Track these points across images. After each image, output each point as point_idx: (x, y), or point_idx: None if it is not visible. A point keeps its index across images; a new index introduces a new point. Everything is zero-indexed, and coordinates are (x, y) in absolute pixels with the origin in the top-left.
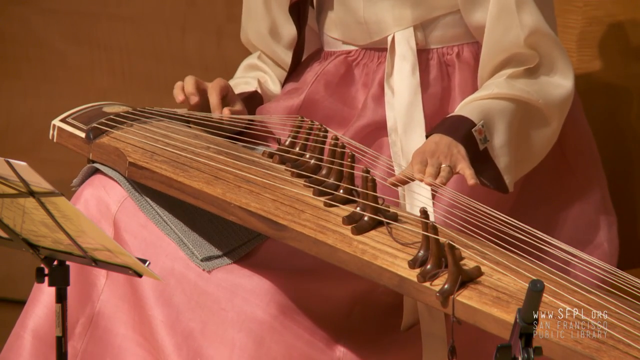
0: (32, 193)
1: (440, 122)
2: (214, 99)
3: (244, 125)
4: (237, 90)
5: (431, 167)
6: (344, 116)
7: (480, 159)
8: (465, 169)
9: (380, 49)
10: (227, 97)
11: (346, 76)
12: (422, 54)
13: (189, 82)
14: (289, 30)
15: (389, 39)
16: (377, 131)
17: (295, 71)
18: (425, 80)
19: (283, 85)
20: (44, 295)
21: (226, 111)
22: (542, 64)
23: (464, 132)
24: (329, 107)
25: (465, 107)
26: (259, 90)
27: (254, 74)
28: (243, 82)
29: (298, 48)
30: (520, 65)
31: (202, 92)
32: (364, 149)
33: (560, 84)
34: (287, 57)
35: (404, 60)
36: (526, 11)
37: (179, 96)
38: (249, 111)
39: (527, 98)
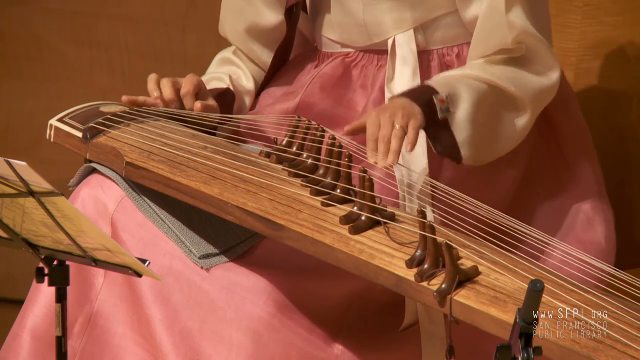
0: (32, 193)
1: (405, 90)
2: (186, 88)
3: (219, 119)
4: (209, 86)
5: (385, 128)
6: (341, 117)
7: (437, 126)
8: (411, 132)
9: (380, 52)
10: (199, 94)
11: (343, 78)
12: (423, 56)
13: (167, 87)
14: (270, 29)
15: (390, 42)
16: None
17: (286, 71)
18: None
19: (269, 84)
20: (42, 295)
21: (198, 105)
22: (526, 57)
23: (425, 98)
24: (325, 110)
25: (434, 79)
26: (231, 88)
27: (227, 69)
28: (216, 77)
29: (286, 48)
30: (505, 55)
31: (177, 92)
32: (363, 149)
33: (541, 76)
34: (264, 55)
35: (404, 64)
36: (515, 13)
37: (154, 92)
38: (222, 109)
39: (498, 83)
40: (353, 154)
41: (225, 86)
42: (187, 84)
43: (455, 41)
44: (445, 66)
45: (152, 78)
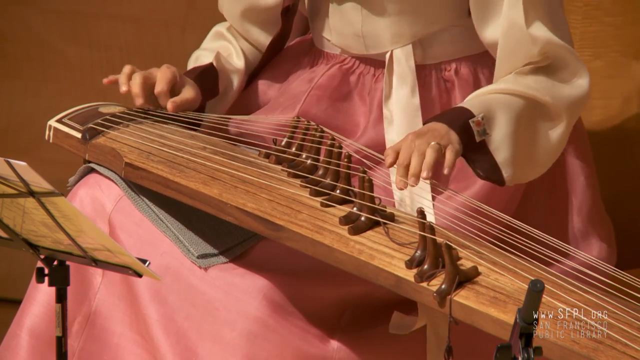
0: (32, 193)
1: (440, 113)
2: (159, 87)
3: (217, 120)
4: (196, 63)
5: (417, 148)
6: (339, 127)
7: (476, 150)
8: (449, 153)
9: (377, 62)
10: (175, 87)
11: (340, 86)
12: (421, 71)
13: (136, 82)
14: (268, 8)
15: (387, 55)
16: (378, 151)
17: (282, 61)
18: (425, 99)
19: (260, 72)
20: (40, 293)
21: (170, 106)
22: (555, 65)
23: (461, 122)
24: (324, 120)
25: (468, 100)
26: (215, 64)
27: (218, 44)
28: (203, 55)
29: (281, 39)
30: (533, 65)
31: (151, 87)
32: (364, 149)
33: (573, 84)
34: (261, 37)
35: (403, 82)
36: (536, 27)
37: (123, 85)
38: (203, 87)
39: (533, 94)
40: (352, 155)
41: (208, 62)
42: (160, 82)
43: (452, 56)
44: (443, 81)
45: (125, 72)
